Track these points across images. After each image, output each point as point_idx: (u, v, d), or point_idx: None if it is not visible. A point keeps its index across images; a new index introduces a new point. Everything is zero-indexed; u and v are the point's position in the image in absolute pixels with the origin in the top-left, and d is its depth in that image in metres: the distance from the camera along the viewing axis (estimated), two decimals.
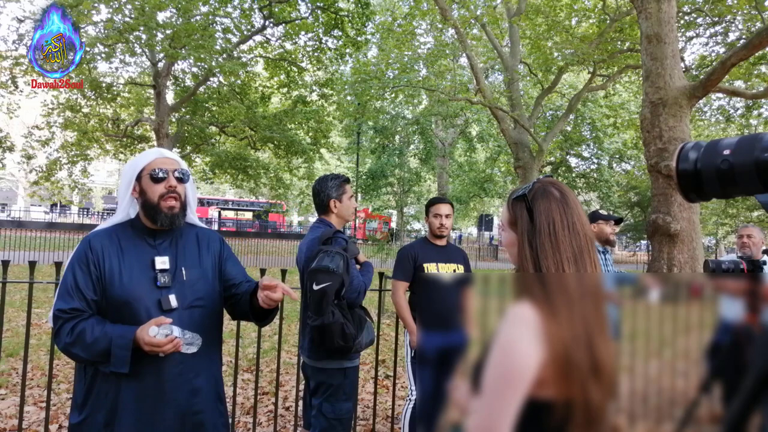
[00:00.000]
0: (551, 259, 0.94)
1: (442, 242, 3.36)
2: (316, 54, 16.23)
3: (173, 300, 1.69)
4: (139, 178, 1.74)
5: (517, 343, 0.76)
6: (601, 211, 3.89)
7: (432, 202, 3.41)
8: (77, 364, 1.73)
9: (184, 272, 1.75)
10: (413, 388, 3.19)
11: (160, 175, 1.73)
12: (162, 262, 1.72)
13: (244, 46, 16.18)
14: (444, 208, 3.35)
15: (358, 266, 2.75)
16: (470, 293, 1.00)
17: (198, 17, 14.20)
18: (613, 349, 0.82)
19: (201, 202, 35.73)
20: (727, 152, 0.79)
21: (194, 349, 1.63)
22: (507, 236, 1.04)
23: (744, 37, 10.65)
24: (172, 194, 1.73)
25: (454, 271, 3.31)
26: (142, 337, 1.54)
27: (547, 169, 24.26)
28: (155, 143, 16.46)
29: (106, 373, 1.61)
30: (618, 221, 3.86)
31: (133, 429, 1.64)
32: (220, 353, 1.90)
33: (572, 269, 0.93)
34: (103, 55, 13.47)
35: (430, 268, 3.22)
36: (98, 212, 43.00)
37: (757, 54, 8.45)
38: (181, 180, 1.78)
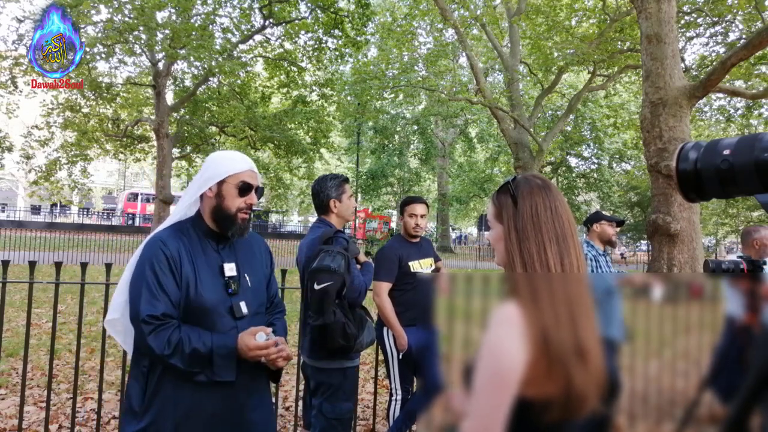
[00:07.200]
0: (533, 240, 0.94)
1: (416, 239, 3.40)
2: (316, 54, 16.21)
3: (244, 307, 1.67)
4: (221, 182, 1.68)
5: (502, 344, 0.77)
6: (604, 212, 3.87)
7: (407, 202, 3.39)
8: (133, 368, 1.63)
9: (248, 279, 1.74)
10: (398, 387, 3.21)
11: (246, 188, 1.70)
12: (230, 268, 1.69)
13: (243, 46, 16.16)
14: (419, 208, 3.35)
15: (358, 266, 2.76)
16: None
17: (197, 17, 14.20)
18: (599, 334, 0.81)
19: None
20: (727, 152, 0.79)
21: None
22: (494, 232, 1.05)
23: (744, 37, 10.64)
24: (248, 209, 1.73)
25: (431, 264, 3.40)
26: (247, 343, 1.53)
27: (547, 169, 24.26)
28: (155, 143, 16.46)
29: (199, 381, 1.55)
30: (620, 223, 3.84)
31: None
32: None
33: (554, 250, 0.93)
34: (102, 55, 13.47)
35: (414, 266, 3.26)
36: (98, 212, 43.00)
37: (757, 54, 8.45)
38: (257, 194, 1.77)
